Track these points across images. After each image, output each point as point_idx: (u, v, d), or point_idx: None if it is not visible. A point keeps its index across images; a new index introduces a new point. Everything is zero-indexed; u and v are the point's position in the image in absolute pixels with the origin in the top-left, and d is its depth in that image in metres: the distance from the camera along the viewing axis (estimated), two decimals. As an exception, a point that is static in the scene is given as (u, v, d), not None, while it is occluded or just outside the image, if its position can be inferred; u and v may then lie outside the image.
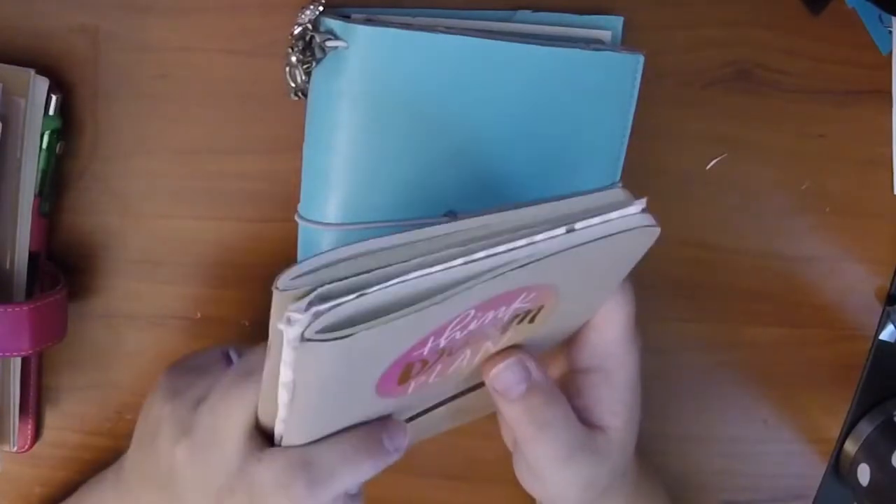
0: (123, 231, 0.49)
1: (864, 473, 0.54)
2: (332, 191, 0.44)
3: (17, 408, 0.48)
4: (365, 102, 0.43)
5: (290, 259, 0.48)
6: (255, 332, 0.50)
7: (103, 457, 0.52)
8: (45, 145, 0.45)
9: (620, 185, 0.35)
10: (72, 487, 0.52)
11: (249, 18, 0.46)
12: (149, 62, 0.47)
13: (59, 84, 0.46)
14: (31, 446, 0.50)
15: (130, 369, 0.51)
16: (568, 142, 0.45)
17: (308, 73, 0.44)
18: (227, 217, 0.49)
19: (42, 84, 0.44)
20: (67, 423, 0.51)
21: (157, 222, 0.49)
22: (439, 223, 0.32)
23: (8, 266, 0.45)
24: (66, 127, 0.46)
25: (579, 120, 0.45)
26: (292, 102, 0.46)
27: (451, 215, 0.44)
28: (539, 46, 0.43)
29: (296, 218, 0.46)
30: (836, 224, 0.52)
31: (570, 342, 0.41)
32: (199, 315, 0.50)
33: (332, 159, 0.44)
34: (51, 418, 0.51)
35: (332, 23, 0.42)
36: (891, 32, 0.49)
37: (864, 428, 0.55)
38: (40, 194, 0.46)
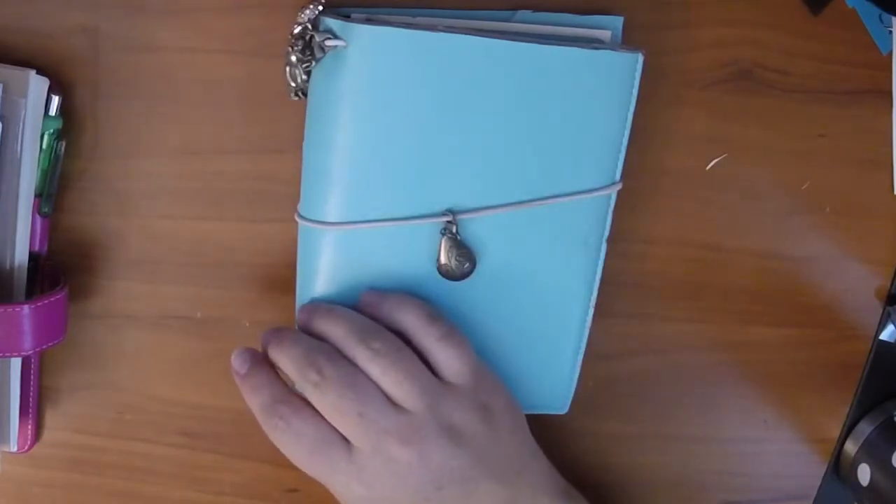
0: (123, 231, 0.49)
1: (864, 473, 0.54)
2: (331, 190, 0.44)
3: (17, 408, 0.48)
4: (365, 101, 0.43)
5: (290, 259, 0.48)
6: (256, 332, 0.50)
7: (103, 457, 0.52)
8: (45, 145, 0.45)
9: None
10: (72, 488, 0.52)
11: (249, 18, 0.46)
12: (149, 62, 0.47)
13: (59, 84, 0.46)
14: (31, 446, 0.50)
15: (130, 369, 0.51)
16: (567, 140, 0.45)
17: (308, 73, 0.44)
18: (227, 217, 0.49)
19: (42, 84, 0.44)
20: (67, 423, 0.51)
21: (157, 222, 0.49)
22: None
23: (8, 266, 0.45)
24: (66, 127, 0.46)
25: (579, 119, 0.45)
26: (292, 102, 0.46)
27: (451, 213, 0.45)
28: (539, 45, 0.43)
29: (296, 217, 0.46)
30: (836, 224, 0.52)
31: None
32: (199, 315, 0.50)
33: (332, 158, 0.44)
34: (51, 418, 0.51)
35: (332, 22, 0.42)
36: (891, 32, 0.49)
37: (864, 428, 0.55)
38: (40, 194, 0.46)
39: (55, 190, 0.47)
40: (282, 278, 0.49)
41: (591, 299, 0.48)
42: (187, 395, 0.51)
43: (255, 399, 0.44)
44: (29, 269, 0.46)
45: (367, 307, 0.45)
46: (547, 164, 0.45)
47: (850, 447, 0.55)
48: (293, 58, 0.43)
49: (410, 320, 0.44)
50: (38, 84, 0.44)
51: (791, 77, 0.50)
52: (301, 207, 0.46)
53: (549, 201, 0.45)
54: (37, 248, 0.47)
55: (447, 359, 0.43)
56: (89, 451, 0.52)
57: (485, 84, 0.43)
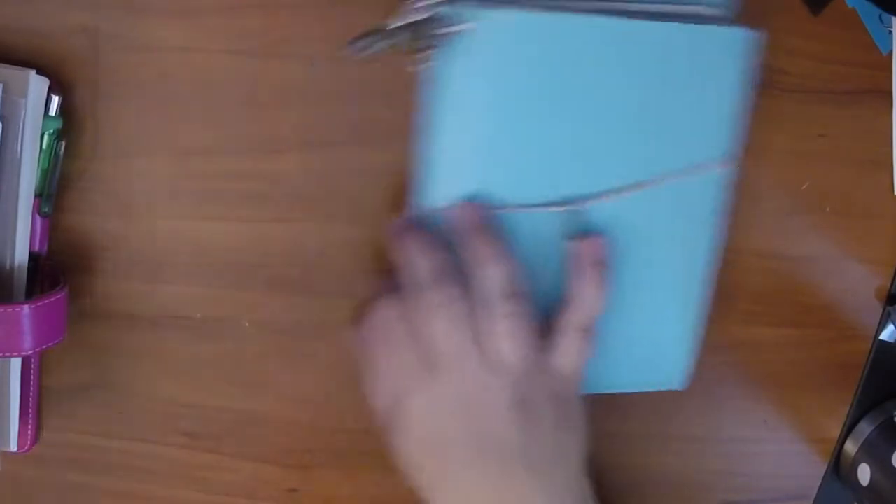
0: (123, 231, 0.49)
1: (864, 473, 0.54)
2: (455, 177, 0.44)
3: (17, 408, 0.48)
4: (490, 86, 0.42)
5: (290, 259, 0.48)
6: (256, 332, 0.50)
7: (103, 457, 0.52)
8: (45, 145, 0.45)
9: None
10: (72, 488, 0.52)
11: (249, 18, 0.46)
12: (149, 62, 0.47)
13: (59, 84, 0.45)
14: (30, 447, 0.50)
15: (130, 369, 0.51)
16: (686, 117, 0.45)
17: (427, 59, 0.43)
18: (227, 217, 0.49)
19: (42, 84, 0.44)
20: (67, 423, 0.51)
21: (157, 222, 0.49)
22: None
23: (8, 266, 0.45)
24: (67, 127, 0.46)
25: (697, 95, 0.45)
26: (292, 102, 0.46)
27: (580, 201, 0.44)
28: (660, 23, 0.43)
29: (411, 208, 0.46)
30: (836, 224, 0.52)
31: None
32: (199, 315, 0.50)
33: (461, 145, 0.43)
34: (51, 418, 0.51)
35: (456, 7, 0.42)
36: (891, 32, 0.49)
37: (864, 428, 0.55)
38: (40, 194, 0.46)
39: (55, 190, 0.47)
40: (282, 278, 0.49)
41: (707, 273, 0.49)
42: (187, 395, 0.51)
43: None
44: (29, 269, 0.46)
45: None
46: (667, 143, 0.45)
47: (850, 447, 0.55)
48: (412, 39, 0.42)
49: (588, 293, 0.44)
50: (38, 84, 0.44)
51: (791, 77, 0.50)
52: (419, 195, 0.45)
53: (670, 179, 0.45)
54: (37, 248, 0.47)
55: (572, 348, 0.44)
56: (89, 451, 0.52)
57: (605, 64, 0.43)
